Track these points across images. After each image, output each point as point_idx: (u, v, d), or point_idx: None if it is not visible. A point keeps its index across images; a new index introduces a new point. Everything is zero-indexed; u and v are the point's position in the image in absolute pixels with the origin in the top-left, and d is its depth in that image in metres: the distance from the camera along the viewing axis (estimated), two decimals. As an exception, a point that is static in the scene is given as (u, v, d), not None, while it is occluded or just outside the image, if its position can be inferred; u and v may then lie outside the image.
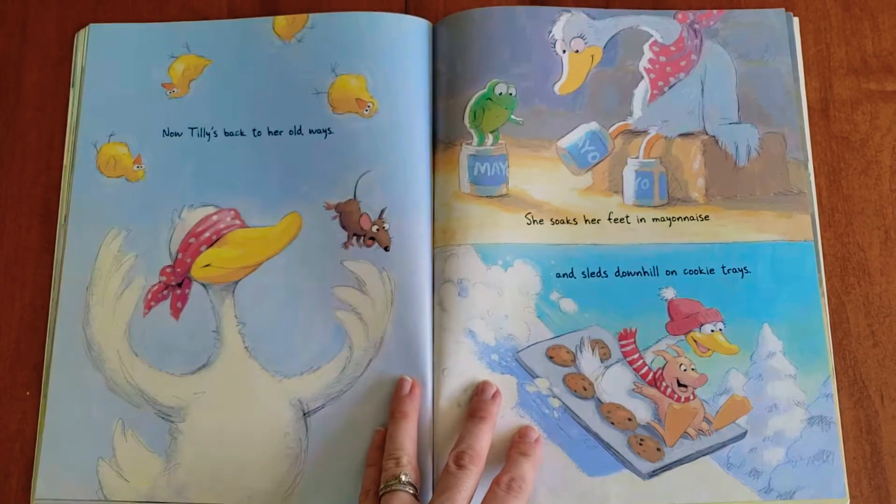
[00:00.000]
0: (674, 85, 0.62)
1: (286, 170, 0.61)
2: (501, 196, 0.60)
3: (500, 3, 0.64)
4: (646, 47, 0.63)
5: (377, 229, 0.59)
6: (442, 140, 0.61)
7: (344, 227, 0.60)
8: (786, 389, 0.56)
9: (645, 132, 0.61)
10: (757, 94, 0.62)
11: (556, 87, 0.62)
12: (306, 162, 0.61)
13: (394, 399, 0.56)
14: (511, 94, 0.61)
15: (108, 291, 0.60)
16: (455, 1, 0.65)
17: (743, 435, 0.56)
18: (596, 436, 0.56)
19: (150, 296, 0.60)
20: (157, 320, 0.59)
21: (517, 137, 0.61)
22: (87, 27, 0.65)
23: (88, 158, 0.62)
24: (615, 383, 0.57)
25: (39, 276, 0.61)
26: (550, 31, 0.63)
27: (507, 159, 0.61)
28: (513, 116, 0.61)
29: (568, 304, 0.58)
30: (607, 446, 0.56)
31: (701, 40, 0.63)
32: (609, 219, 0.60)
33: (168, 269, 0.60)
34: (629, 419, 0.56)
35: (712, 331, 0.57)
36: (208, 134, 0.63)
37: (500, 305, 0.58)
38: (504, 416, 0.56)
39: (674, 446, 0.56)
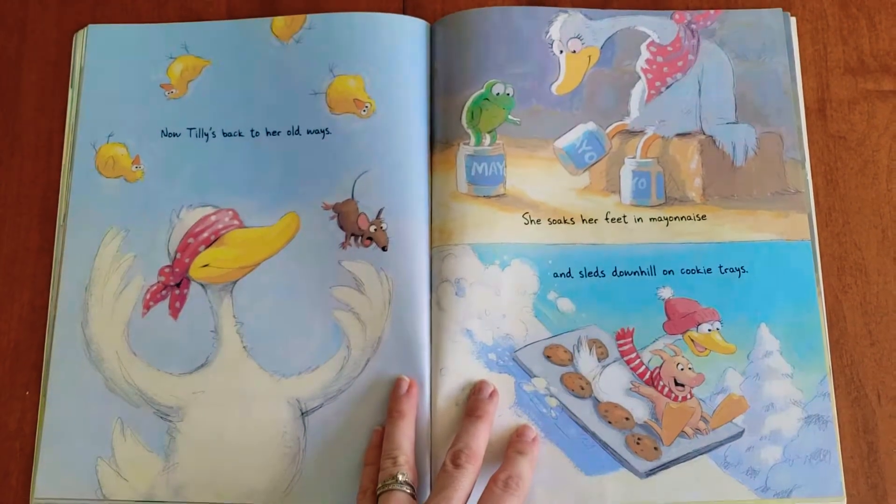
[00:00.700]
0: (671, 85, 0.62)
1: (284, 170, 0.61)
2: (499, 196, 0.60)
3: (498, 4, 0.65)
4: (643, 47, 0.63)
5: (375, 229, 0.59)
6: (439, 140, 0.62)
7: (342, 227, 0.60)
8: (783, 388, 0.56)
9: (642, 132, 0.62)
10: (754, 93, 0.62)
11: (554, 88, 0.62)
12: (304, 162, 0.61)
13: (391, 398, 0.56)
14: (508, 94, 0.62)
15: (107, 291, 0.60)
16: (452, 1, 0.65)
17: (740, 434, 0.56)
18: (593, 435, 0.56)
19: (148, 296, 0.60)
20: (155, 320, 0.59)
21: (514, 137, 0.61)
22: (85, 28, 0.65)
23: (87, 159, 0.62)
24: (612, 382, 0.57)
25: (38, 275, 0.61)
26: (547, 32, 0.63)
27: (504, 159, 0.61)
28: (510, 116, 0.61)
29: (565, 304, 0.58)
30: (605, 445, 0.56)
31: (698, 40, 0.63)
32: (606, 218, 0.60)
33: (167, 269, 0.60)
34: (626, 418, 0.56)
35: (709, 330, 0.58)
36: (207, 134, 0.63)
37: (498, 305, 0.58)
38: (501, 416, 0.56)
39: (671, 445, 0.56)
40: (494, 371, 0.57)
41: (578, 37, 0.63)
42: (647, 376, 0.57)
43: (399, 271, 0.59)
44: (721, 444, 0.56)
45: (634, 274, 0.59)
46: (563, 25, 0.63)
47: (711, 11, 0.64)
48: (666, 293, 0.58)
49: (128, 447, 0.57)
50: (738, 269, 0.59)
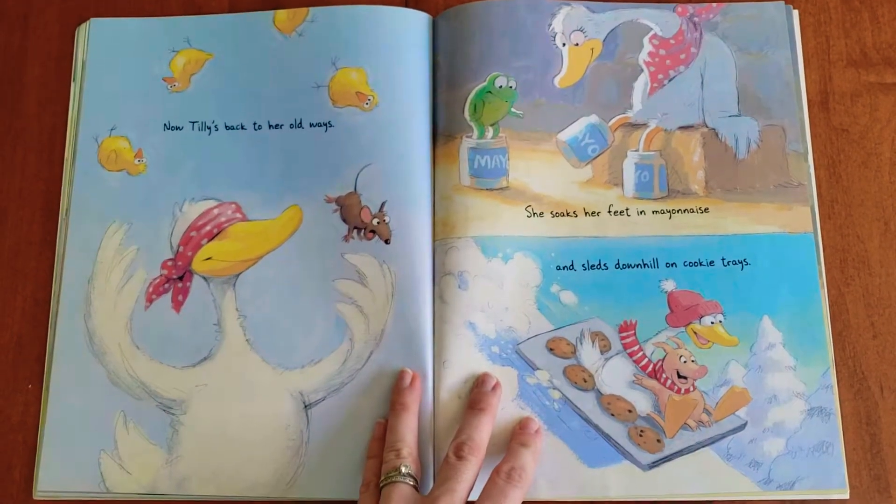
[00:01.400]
0: (673, 78, 0.62)
1: (287, 163, 0.61)
2: (502, 189, 0.60)
3: (500, -3, 0.64)
4: (645, 40, 0.63)
5: (378, 222, 0.59)
6: (442, 133, 0.62)
7: (344, 221, 0.60)
8: (786, 381, 0.56)
9: (645, 125, 0.62)
10: (757, 86, 0.62)
11: (556, 80, 0.62)
12: (307, 155, 0.61)
13: (394, 391, 0.56)
14: (511, 87, 0.61)
15: (110, 284, 0.60)
16: (455, -6, 0.65)
17: (743, 426, 0.56)
18: (596, 427, 0.56)
19: (151, 289, 0.60)
20: (158, 313, 0.59)
21: (517, 130, 0.61)
22: (88, 21, 0.65)
23: (90, 152, 0.62)
24: (615, 375, 0.57)
25: (41, 269, 0.61)
26: (550, 25, 0.63)
27: (507, 152, 0.61)
28: (513, 109, 0.61)
29: (568, 297, 0.58)
30: (607, 438, 0.56)
31: (700, 33, 0.63)
32: (609, 211, 0.60)
33: (169, 263, 0.60)
34: (629, 410, 0.56)
35: (712, 322, 0.58)
36: (209, 128, 0.63)
37: (501, 298, 0.58)
38: (504, 408, 0.56)
39: (674, 437, 0.56)
40: (497, 364, 0.57)
41: (581, 29, 0.63)
42: (650, 369, 0.57)
43: (402, 264, 0.59)
44: (724, 436, 0.56)
45: (637, 267, 0.59)
46: (565, 18, 0.63)
47: (714, 4, 0.64)
48: (669, 286, 0.58)
49: (131, 440, 0.57)
50: (741, 262, 0.59)
